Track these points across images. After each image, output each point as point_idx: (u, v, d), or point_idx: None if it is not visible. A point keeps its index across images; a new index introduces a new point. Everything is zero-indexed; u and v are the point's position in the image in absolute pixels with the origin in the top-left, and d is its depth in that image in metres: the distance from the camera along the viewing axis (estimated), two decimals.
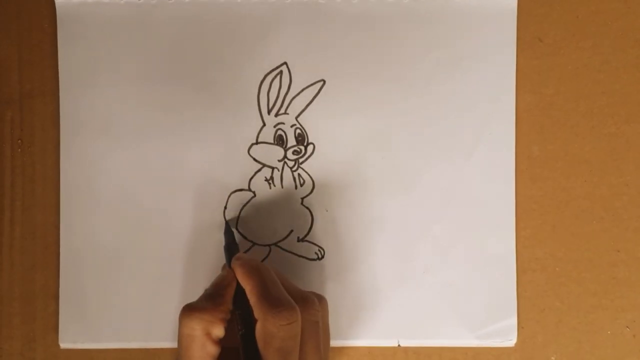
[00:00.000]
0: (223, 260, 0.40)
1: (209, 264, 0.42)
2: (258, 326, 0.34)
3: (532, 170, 0.42)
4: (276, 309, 0.34)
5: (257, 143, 0.42)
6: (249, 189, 0.42)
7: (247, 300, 0.35)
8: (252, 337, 0.34)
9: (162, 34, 0.42)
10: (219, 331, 0.34)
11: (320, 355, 0.35)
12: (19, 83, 0.42)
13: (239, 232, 0.42)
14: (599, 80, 0.42)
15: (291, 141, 0.42)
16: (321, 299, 0.37)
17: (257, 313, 0.34)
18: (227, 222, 0.41)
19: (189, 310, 0.35)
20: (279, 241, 0.42)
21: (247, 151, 0.42)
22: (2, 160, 0.42)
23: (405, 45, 0.42)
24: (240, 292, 0.36)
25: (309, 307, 0.36)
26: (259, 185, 0.42)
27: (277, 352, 0.33)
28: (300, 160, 0.42)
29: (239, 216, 0.42)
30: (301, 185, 0.42)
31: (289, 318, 0.34)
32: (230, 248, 0.39)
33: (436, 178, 0.42)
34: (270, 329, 0.33)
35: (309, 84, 0.42)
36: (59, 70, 0.42)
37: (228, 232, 0.40)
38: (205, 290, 0.37)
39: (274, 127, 0.42)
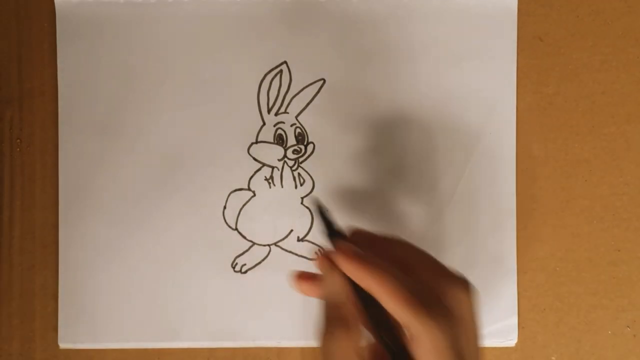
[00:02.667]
0: (223, 261, 0.40)
1: (209, 263, 0.41)
2: (420, 340, 0.26)
3: (532, 169, 0.42)
4: (434, 310, 0.25)
5: (257, 142, 0.42)
6: (249, 189, 0.42)
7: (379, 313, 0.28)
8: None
9: (161, 33, 0.42)
10: None
11: None
12: (18, 82, 0.42)
13: (238, 232, 0.42)
14: (599, 80, 0.42)
15: (291, 140, 0.42)
16: None
17: (412, 324, 0.26)
18: (319, 203, 0.33)
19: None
20: (279, 241, 0.42)
21: (247, 150, 0.42)
22: (1, 160, 0.42)
23: (406, 45, 0.42)
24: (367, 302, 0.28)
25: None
26: (259, 185, 0.42)
27: None
28: (300, 159, 0.42)
29: (238, 216, 0.42)
30: (301, 185, 0.42)
31: (447, 314, 0.26)
32: (333, 237, 0.31)
33: (436, 178, 0.42)
34: (437, 337, 0.25)
35: (309, 83, 0.42)
36: (58, 70, 0.42)
37: (324, 216, 0.32)
38: (323, 315, 0.29)
39: (274, 126, 0.42)
